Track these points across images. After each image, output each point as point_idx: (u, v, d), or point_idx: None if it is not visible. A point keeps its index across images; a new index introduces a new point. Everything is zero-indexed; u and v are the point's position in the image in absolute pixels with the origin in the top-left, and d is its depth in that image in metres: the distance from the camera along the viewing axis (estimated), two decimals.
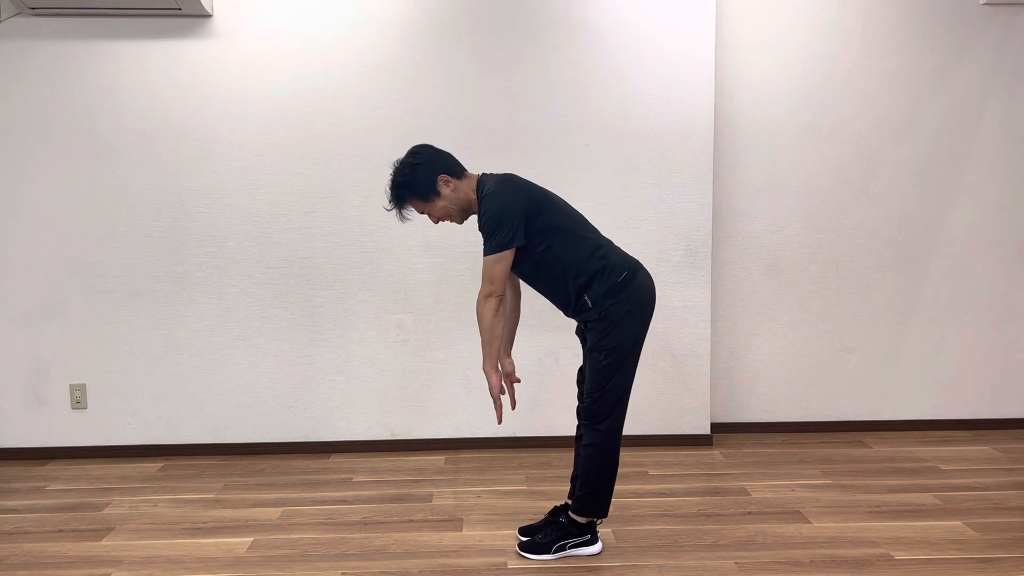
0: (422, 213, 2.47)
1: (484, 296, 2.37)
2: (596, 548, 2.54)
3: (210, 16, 3.38)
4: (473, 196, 2.42)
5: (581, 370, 2.57)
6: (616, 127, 3.49)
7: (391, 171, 2.45)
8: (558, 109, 3.49)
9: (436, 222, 2.49)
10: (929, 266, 3.79)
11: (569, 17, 3.45)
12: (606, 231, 3.54)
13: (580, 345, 2.57)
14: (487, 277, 2.36)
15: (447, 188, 2.41)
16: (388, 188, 2.45)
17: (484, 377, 2.48)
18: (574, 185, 3.36)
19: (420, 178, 2.40)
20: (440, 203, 2.42)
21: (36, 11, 3.30)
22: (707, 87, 3.48)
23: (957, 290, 3.81)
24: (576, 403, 2.60)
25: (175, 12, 3.32)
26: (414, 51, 3.45)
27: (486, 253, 2.36)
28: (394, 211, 2.47)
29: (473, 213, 2.46)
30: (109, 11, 3.32)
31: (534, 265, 2.43)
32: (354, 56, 3.43)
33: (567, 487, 2.69)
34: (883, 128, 3.71)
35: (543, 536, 2.53)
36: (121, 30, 3.38)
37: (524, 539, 2.58)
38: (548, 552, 2.50)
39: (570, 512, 2.54)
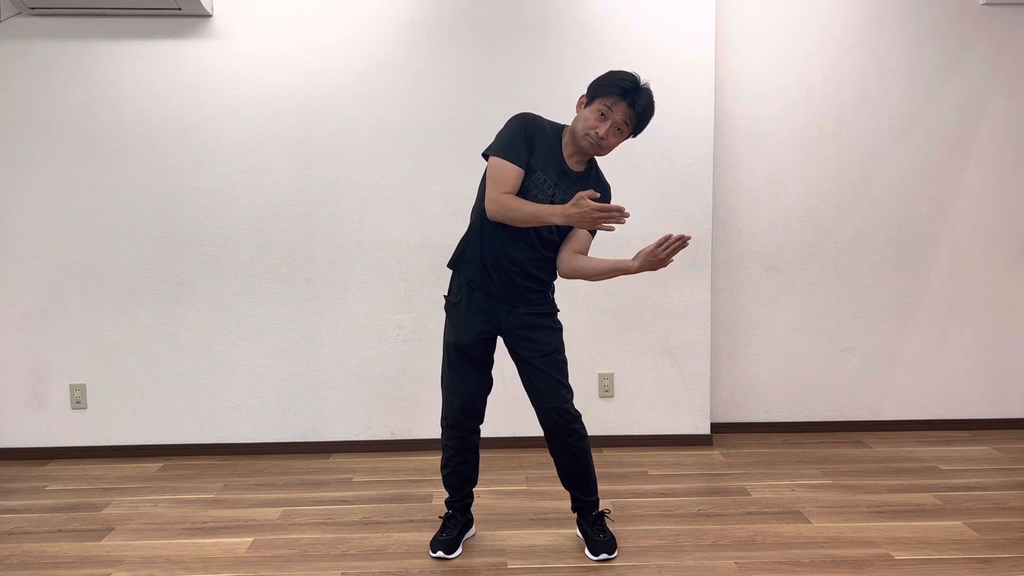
0: (617, 131, 2.31)
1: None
2: None
3: (210, 16, 3.38)
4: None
5: (525, 388, 2.51)
6: None
7: (648, 96, 2.31)
8: (558, 109, 3.45)
9: (601, 135, 2.28)
10: (929, 266, 3.79)
11: (569, 18, 3.45)
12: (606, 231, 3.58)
13: (485, 358, 2.51)
14: None
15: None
16: (651, 100, 2.31)
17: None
18: None
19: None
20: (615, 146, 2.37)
21: (36, 11, 3.30)
22: (707, 87, 3.48)
23: (957, 290, 3.81)
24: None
25: (175, 12, 3.32)
26: (414, 51, 3.45)
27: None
28: (627, 124, 2.31)
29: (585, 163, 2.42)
30: (109, 11, 3.32)
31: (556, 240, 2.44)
32: (354, 56, 3.44)
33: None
34: (883, 128, 3.71)
35: (605, 535, 2.55)
36: (121, 30, 3.38)
37: (600, 542, 2.53)
38: (615, 544, 2.55)
39: (595, 512, 2.58)
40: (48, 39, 3.37)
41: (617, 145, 2.36)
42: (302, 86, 3.44)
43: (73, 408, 3.55)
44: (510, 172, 2.29)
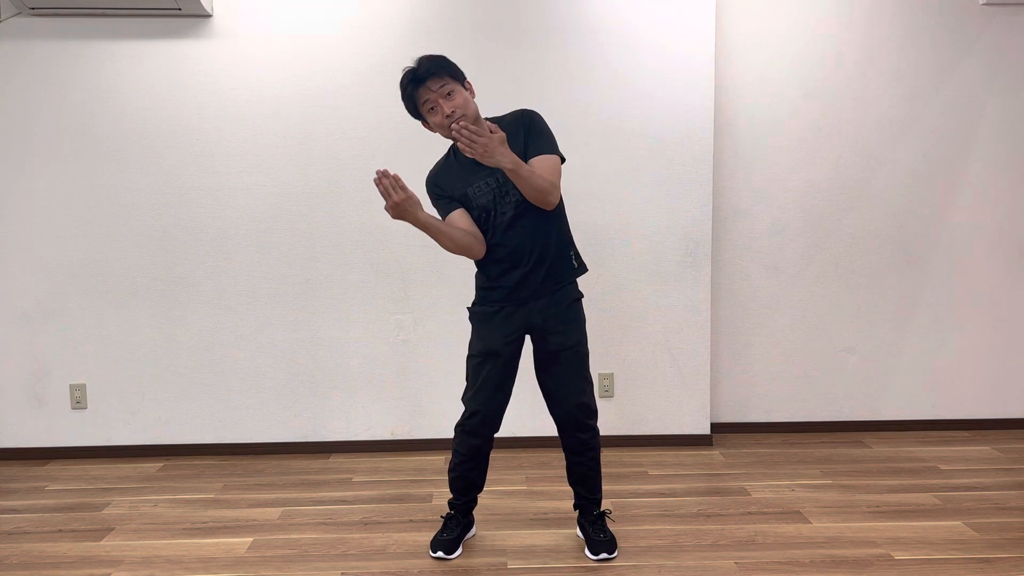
0: (446, 96, 2.32)
1: (554, 189, 2.33)
2: None
3: (210, 16, 3.38)
4: (478, 114, 2.39)
5: (544, 383, 2.53)
6: (616, 127, 3.49)
7: (419, 63, 2.34)
8: (558, 109, 3.48)
9: (447, 113, 2.30)
10: (929, 266, 3.79)
11: (569, 17, 3.45)
12: (606, 231, 3.59)
13: (516, 351, 2.50)
14: (557, 178, 2.34)
15: (471, 90, 2.40)
16: (427, 58, 2.33)
17: None
18: (574, 185, 3.35)
19: (455, 65, 2.38)
20: (467, 95, 2.36)
21: (36, 11, 3.30)
22: (707, 87, 3.48)
23: (957, 290, 3.81)
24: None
25: (175, 12, 3.32)
26: (414, 51, 3.39)
27: (554, 151, 2.36)
28: (426, 84, 2.31)
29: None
30: (109, 11, 3.32)
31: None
32: (354, 56, 3.44)
33: (566, 487, 2.68)
34: (883, 128, 3.71)
35: (606, 535, 2.55)
36: (121, 30, 3.38)
37: (600, 542, 2.53)
38: (615, 544, 2.55)
39: (597, 511, 2.59)
40: (48, 39, 3.37)
41: (465, 100, 2.34)
42: (302, 86, 3.44)
43: (73, 408, 3.55)
44: (455, 219, 2.40)
